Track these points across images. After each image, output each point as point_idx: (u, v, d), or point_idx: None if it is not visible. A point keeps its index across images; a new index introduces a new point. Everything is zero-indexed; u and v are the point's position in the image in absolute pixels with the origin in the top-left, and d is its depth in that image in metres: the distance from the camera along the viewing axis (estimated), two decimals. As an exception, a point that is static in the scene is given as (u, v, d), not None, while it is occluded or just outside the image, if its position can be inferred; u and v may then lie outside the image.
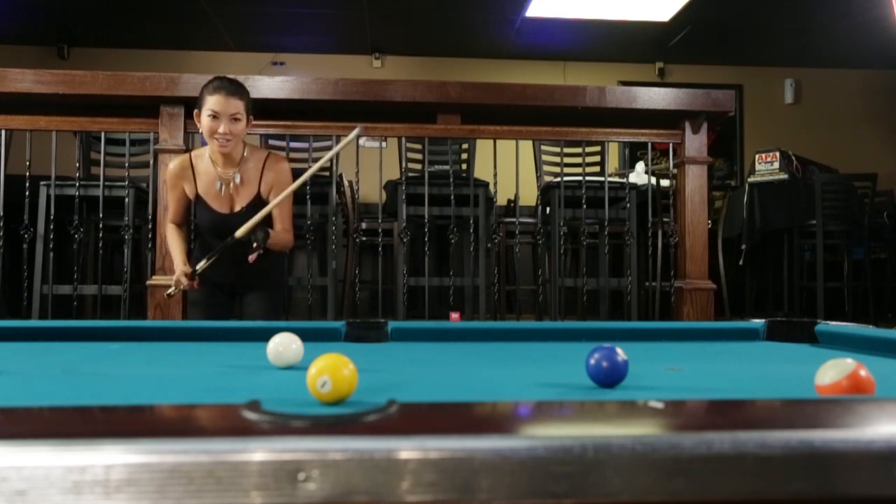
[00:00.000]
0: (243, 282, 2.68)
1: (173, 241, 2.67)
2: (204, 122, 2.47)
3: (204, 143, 2.62)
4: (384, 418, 0.52)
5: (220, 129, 2.45)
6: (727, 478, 0.47)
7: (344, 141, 2.53)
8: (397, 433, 0.48)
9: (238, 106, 2.47)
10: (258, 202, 2.57)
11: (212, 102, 2.44)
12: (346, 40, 6.78)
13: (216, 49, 6.89)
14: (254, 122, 2.60)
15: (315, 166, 2.47)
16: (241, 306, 2.73)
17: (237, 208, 2.59)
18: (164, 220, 2.84)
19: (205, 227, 2.64)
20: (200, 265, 2.47)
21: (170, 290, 2.54)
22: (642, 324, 2.00)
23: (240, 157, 2.59)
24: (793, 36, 6.57)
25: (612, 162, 6.79)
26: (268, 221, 2.53)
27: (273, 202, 2.48)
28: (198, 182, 2.60)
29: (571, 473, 0.46)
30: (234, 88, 2.48)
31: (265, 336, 1.27)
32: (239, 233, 2.42)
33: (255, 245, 2.41)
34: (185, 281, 2.50)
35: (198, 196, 2.61)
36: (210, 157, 2.59)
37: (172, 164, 2.65)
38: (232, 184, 2.58)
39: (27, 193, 3.18)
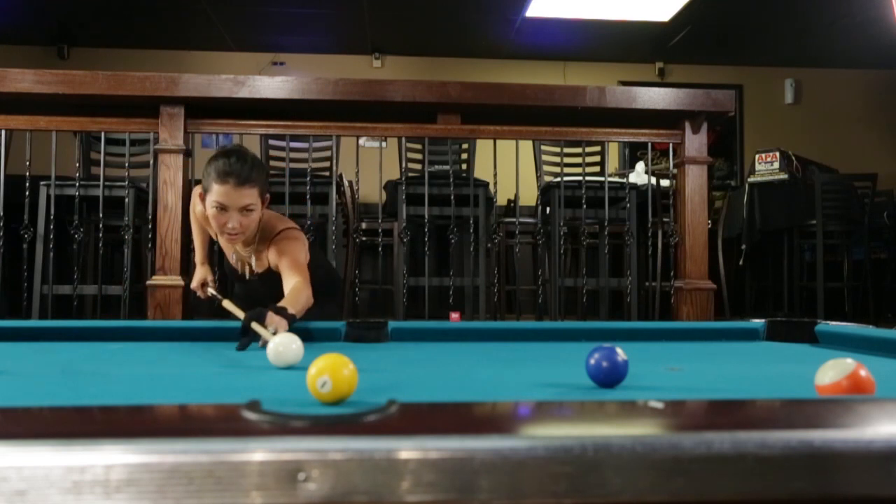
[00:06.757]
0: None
1: (198, 234, 2.45)
2: (209, 211, 2.00)
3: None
4: (384, 418, 0.52)
5: (230, 224, 1.97)
6: (727, 478, 0.47)
7: None
8: (397, 433, 0.48)
9: (252, 195, 1.97)
10: (271, 271, 2.20)
11: (218, 193, 1.95)
12: (346, 40, 6.78)
13: (216, 49, 6.89)
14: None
15: None
16: None
17: (248, 276, 2.28)
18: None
19: (225, 267, 2.44)
20: (218, 297, 2.21)
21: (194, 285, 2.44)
22: (642, 324, 2.00)
23: (254, 236, 2.17)
24: (793, 36, 6.57)
25: (612, 162, 6.78)
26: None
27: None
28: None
29: (571, 473, 0.46)
30: (247, 174, 1.96)
31: (265, 336, 1.27)
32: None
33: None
34: (199, 293, 2.41)
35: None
36: None
37: (199, 209, 2.27)
38: (247, 263, 2.28)
39: (27, 193, 3.17)
